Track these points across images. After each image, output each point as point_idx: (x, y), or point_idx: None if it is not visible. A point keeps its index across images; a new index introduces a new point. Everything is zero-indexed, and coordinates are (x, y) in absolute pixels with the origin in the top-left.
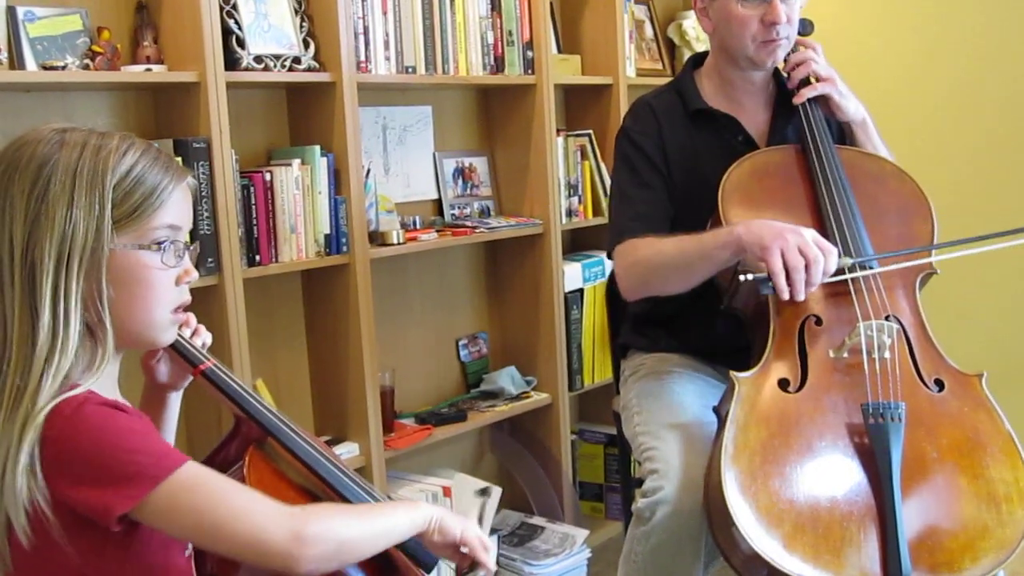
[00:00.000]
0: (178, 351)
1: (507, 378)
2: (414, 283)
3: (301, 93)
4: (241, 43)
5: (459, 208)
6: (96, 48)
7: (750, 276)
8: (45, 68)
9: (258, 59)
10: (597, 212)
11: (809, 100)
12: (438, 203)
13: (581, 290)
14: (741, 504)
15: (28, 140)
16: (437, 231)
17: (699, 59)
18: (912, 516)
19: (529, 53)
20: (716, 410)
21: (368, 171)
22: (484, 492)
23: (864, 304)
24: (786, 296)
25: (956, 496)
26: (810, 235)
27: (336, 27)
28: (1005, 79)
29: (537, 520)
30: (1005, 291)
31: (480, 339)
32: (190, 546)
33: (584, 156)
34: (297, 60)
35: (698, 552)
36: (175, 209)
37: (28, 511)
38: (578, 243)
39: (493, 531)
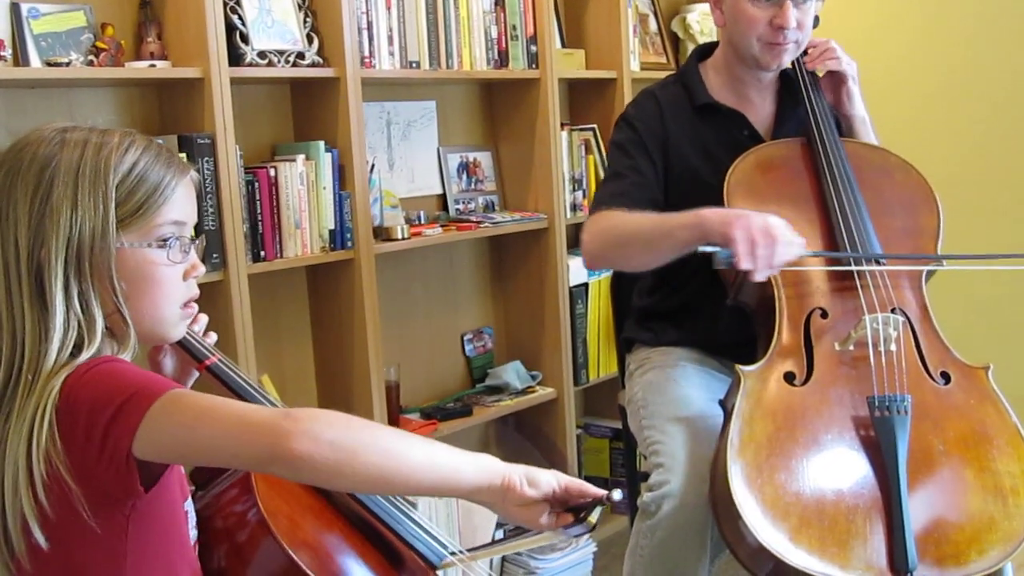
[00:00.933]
0: (184, 347)
1: (512, 373)
2: (419, 278)
3: (305, 88)
4: (245, 39)
5: (463, 203)
6: (100, 44)
7: (709, 248)
8: (49, 65)
9: (262, 55)
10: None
11: (816, 93)
12: (442, 198)
13: (586, 284)
14: (747, 497)
15: (29, 141)
16: (441, 226)
17: (704, 51)
18: (918, 509)
19: (533, 47)
20: (722, 404)
21: (372, 166)
22: None
23: (870, 297)
24: (745, 266)
25: (962, 489)
26: (778, 221)
27: (340, 22)
28: (1002, 70)
29: None
30: (1011, 284)
31: (485, 334)
32: (194, 533)
33: (588, 150)
34: (301, 56)
35: (704, 545)
36: (179, 205)
37: (48, 483)
38: None
39: (498, 526)
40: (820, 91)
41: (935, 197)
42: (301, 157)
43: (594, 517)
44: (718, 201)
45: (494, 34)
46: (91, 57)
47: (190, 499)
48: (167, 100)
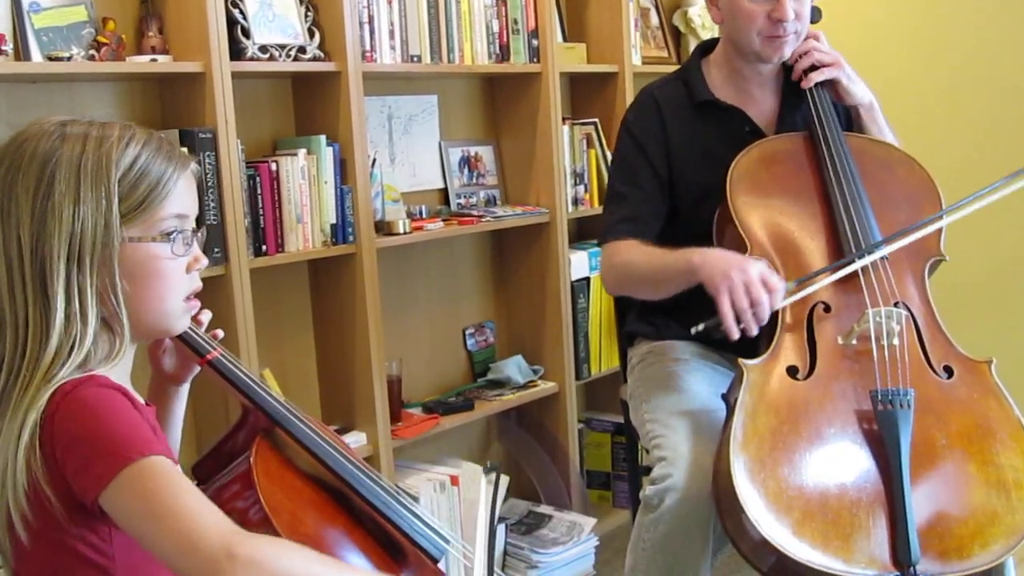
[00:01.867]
0: (185, 341)
1: (514, 367)
2: (420, 273)
3: (306, 83)
4: (246, 33)
5: (465, 197)
6: (101, 39)
7: (701, 327)
8: (50, 59)
9: (263, 49)
10: (603, 200)
11: (817, 86)
12: (444, 192)
13: (588, 278)
14: (750, 491)
15: (29, 136)
16: (443, 220)
17: (707, 47)
18: (921, 503)
19: (534, 41)
20: (725, 397)
21: (374, 161)
22: (491, 469)
23: (873, 291)
24: (736, 337)
25: (965, 483)
26: (757, 272)
27: (341, 16)
28: (1007, 66)
29: (544, 509)
30: (1014, 277)
31: (487, 328)
32: None
33: (590, 144)
34: (302, 50)
35: (707, 539)
36: (181, 198)
37: (28, 493)
38: (584, 231)
39: (501, 520)
40: (822, 84)
41: (938, 192)
42: (302, 151)
43: None
44: (721, 196)
45: (495, 28)
46: (92, 51)
47: None
48: (168, 94)
